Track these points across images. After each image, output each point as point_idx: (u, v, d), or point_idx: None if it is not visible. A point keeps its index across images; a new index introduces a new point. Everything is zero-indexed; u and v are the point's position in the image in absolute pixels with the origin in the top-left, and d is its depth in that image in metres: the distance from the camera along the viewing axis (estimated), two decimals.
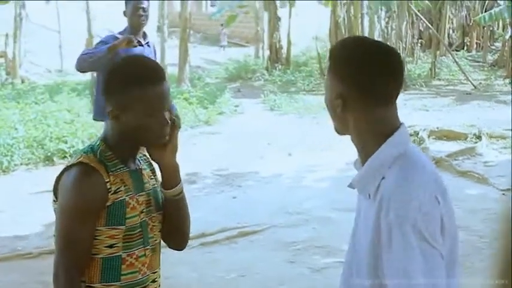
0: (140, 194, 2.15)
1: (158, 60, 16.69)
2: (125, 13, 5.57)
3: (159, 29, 19.53)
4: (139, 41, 5.45)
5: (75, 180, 2.01)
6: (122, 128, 2.06)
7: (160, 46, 16.87)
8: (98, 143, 2.09)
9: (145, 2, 5.56)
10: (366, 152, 1.80)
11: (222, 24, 26.27)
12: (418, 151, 1.84)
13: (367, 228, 1.75)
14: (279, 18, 20.16)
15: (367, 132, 1.79)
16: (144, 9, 5.50)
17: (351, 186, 1.87)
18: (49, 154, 9.16)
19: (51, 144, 9.39)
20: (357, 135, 1.82)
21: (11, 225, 6.51)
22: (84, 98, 13.63)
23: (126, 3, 5.56)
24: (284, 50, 20.29)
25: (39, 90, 14.61)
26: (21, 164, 8.97)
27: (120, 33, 5.51)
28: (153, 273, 2.22)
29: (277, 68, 19.52)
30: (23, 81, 17.98)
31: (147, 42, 5.63)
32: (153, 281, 2.23)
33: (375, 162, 1.76)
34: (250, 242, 6.00)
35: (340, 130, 1.88)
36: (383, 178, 1.73)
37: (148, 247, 2.17)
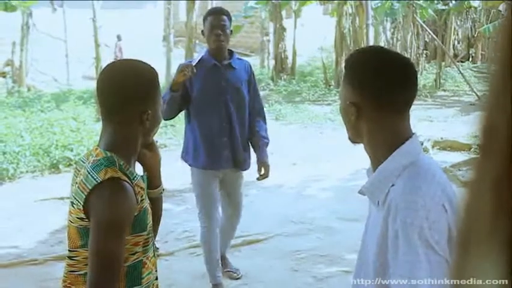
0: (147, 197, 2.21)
1: (164, 70, 16.57)
2: (202, 33, 4.68)
3: (165, 38, 19.62)
4: (216, 64, 4.59)
5: (114, 198, 2.00)
6: (145, 127, 2.12)
7: (166, 56, 16.93)
8: (109, 154, 2.08)
9: (225, 18, 4.60)
10: (377, 160, 1.83)
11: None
12: (429, 161, 1.87)
13: (375, 234, 1.78)
14: (284, 29, 20.20)
15: (380, 140, 1.82)
16: (222, 27, 4.54)
17: (361, 192, 1.90)
18: (55, 162, 9.20)
19: (57, 152, 9.43)
20: (369, 143, 1.86)
21: (16, 232, 6.55)
22: (90, 107, 13.69)
23: (203, 22, 4.65)
24: (289, 60, 20.32)
25: (45, 99, 14.67)
26: (27, 171, 9.01)
27: (202, 56, 4.62)
28: (156, 271, 2.28)
29: (282, 78, 19.55)
30: (29, 89, 18.06)
31: (230, 62, 4.65)
32: (156, 278, 2.29)
33: (385, 170, 1.79)
34: (254, 250, 6.02)
35: (354, 138, 1.91)
36: (392, 185, 1.76)
37: (154, 247, 2.24)
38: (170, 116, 4.60)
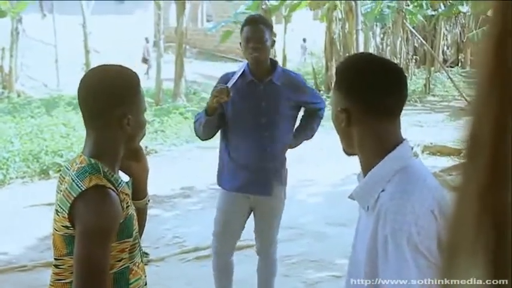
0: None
1: (154, 75, 16.48)
2: (241, 45, 4.00)
3: (155, 44, 19.61)
4: (254, 81, 3.94)
5: (100, 206, 1.99)
6: (126, 133, 2.10)
7: (156, 61, 16.92)
8: (93, 161, 2.07)
9: (263, 27, 3.92)
10: (367, 165, 1.83)
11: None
12: (420, 166, 1.87)
13: (365, 240, 1.78)
14: (274, 34, 20.21)
15: (370, 145, 1.83)
16: (260, 39, 3.85)
17: (351, 197, 1.90)
18: (45, 168, 9.18)
19: (47, 158, 9.41)
20: (360, 149, 1.86)
21: (5, 238, 6.51)
22: (79, 112, 13.64)
23: (240, 33, 4.01)
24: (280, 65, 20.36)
25: (35, 104, 14.64)
26: (16, 177, 8.98)
27: (244, 70, 3.97)
28: (145, 276, 2.27)
29: None
30: (19, 95, 18.01)
31: (271, 79, 3.94)
32: (146, 283, 2.27)
33: (375, 175, 1.79)
34: (245, 256, 6.00)
35: (348, 148, 1.91)
36: (382, 191, 1.76)
37: (141, 252, 2.23)
38: (207, 137, 4.09)
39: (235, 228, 4.29)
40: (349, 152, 1.92)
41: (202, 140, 4.18)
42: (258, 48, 3.86)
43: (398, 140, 1.83)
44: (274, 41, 4.03)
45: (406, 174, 1.77)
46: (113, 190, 2.02)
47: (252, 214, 4.33)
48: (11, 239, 6.48)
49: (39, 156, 9.47)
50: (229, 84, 3.79)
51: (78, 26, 17.73)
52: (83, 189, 1.99)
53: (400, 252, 1.65)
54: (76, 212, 2.00)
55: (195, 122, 4.07)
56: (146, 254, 5.68)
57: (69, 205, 2.01)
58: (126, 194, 2.11)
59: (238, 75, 3.88)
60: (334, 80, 1.93)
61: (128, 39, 24.39)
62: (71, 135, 11.02)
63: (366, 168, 1.84)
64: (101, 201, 1.99)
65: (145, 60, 22.73)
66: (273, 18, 20.62)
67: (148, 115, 12.63)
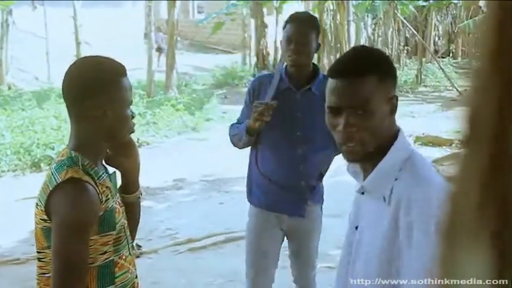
0: (116, 195, 2.19)
1: (146, 67, 16.39)
2: (281, 43, 3.52)
3: (146, 35, 19.54)
4: (291, 89, 3.47)
5: (74, 199, 1.98)
6: (105, 125, 2.06)
7: (148, 53, 16.87)
8: (74, 154, 2.05)
9: (308, 27, 3.42)
10: (376, 154, 1.78)
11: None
12: (420, 153, 1.88)
13: (379, 231, 1.74)
14: (265, 25, 20.20)
15: (384, 134, 1.80)
16: (303, 39, 3.37)
17: (360, 191, 1.87)
18: (36, 160, 9.16)
19: (38, 151, 9.39)
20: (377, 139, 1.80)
21: None
22: None
23: (283, 30, 3.49)
24: (271, 57, 20.34)
25: (26, 97, 14.57)
26: (8, 170, 8.96)
27: (279, 70, 3.53)
28: (134, 269, 2.26)
29: None
30: (9, 88, 17.92)
31: (309, 88, 3.45)
32: (136, 276, 2.27)
33: (385, 165, 1.77)
34: (238, 247, 6.01)
35: (377, 142, 1.78)
36: (396, 179, 1.74)
37: (129, 245, 2.22)
38: (244, 147, 3.63)
39: (270, 252, 3.76)
40: (371, 150, 1.78)
41: (240, 149, 3.69)
42: (300, 51, 3.37)
43: (397, 129, 1.84)
44: (319, 45, 3.52)
45: (416, 161, 1.77)
46: (89, 183, 2.00)
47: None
48: (3, 232, 6.47)
49: (31, 149, 9.44)
50: (270, 96, 3.39)
51: (68, 18, 17.64)
52: (59, 182, 1.98)
53: (429, 239, 1.59)
54: (52, 205, 1.99)
55: (233, 135, 3.66)
56: (139, 246, 5.69)
57: (45, 198, 2.00)
58: (106, 187, 2.09)
59: (277, 81, 3.44)
60: (363, 66, 1.78)
61: (119, 31, 24.30)
62: (62, 127, 10.97)
63: (373, 160, 1.79)
64: (77, 194, 1.98)
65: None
66: (264, 10, 20.61)
67: (139, 107, 12.62)
